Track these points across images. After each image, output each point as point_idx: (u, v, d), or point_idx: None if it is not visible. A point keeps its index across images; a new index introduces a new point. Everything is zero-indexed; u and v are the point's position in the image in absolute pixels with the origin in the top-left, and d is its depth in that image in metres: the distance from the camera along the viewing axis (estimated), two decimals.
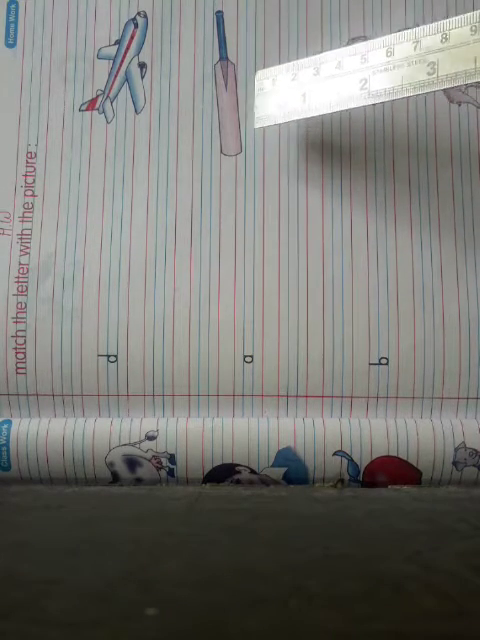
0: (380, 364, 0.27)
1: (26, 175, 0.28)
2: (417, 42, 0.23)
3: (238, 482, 0.26)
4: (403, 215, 0.28)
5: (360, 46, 0.25)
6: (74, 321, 0.27)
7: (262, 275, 0.27)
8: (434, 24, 0.23)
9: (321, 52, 0.27)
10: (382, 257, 0.27)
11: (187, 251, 0.27)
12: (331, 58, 0.25)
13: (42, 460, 0.26)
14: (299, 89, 0.26)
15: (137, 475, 0.26)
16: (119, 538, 0.19)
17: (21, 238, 0.28)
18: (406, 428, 0.26)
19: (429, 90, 0.23)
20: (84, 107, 0.28)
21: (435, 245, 0.27)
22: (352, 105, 0.25)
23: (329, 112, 0.25)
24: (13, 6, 0.29)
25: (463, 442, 0.25)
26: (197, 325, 0.27)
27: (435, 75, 0.23)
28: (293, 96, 0.26)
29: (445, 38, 0.23)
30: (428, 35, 0.23)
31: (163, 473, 0.26)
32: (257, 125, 0.27)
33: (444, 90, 0.28)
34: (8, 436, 0.26)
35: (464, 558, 0.17)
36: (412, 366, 0.27)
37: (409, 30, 0.24)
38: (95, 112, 0.28)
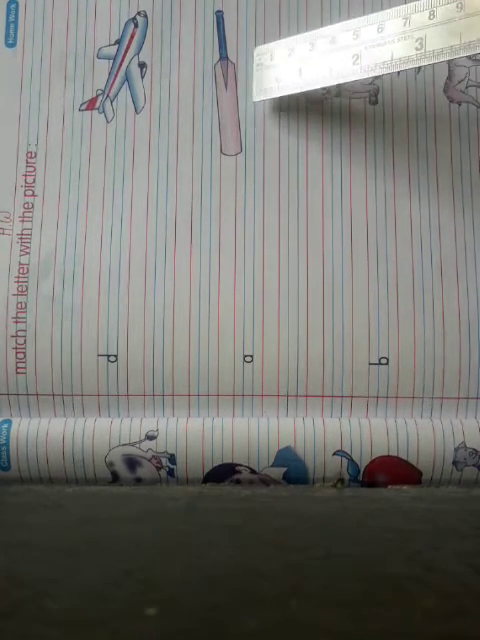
0: (380, 364, 0.27)
1: (26, 175, 0.28)
2: (406, 19, 0.24)
3: (238, 482, 0.26)
4: (403, 215, 0.28)
5: (352, 22, 0.26)
6: (74, 321, 0.27)
7: (262, 275, 0.27)
8: (422, 1, 0.24)
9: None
10: (382, 257, 0.27)
11: (187, 251, 0.27)
12: (325, 34, 0.26)
13: (42, 460, 0.26)
14: (295, 64, 0.27)
15: (137, 475, 0.26)
16: (119, 538, 0.19)
17: (21, 238, 0.28)
18: (406, 428, 0.26)
19: (417, 65, 0.24)
20: (84, 107, 0.28)
21: (435, 245, 0.27)
22: (345, 79, 0.26)
23: (324, 86, 0.26)
24: (13, 6, 0.29)
25: (463, 442, 0.25)
26: (197, 325, 0.27)
27: (422, 50, 0.24)
28: (290, 70, 0.27)
29: (432, 14, 0.23)
30: (417, 12, 0.24)
31: (163, 473, 0.26)
32: (256, 98, 0.28)
33: (444, 90, 0.28)
34: (8, 436, 0.26)
35: (464, 558, 0.17)
36: (412, 366, 0.27)
37: (399, 7, 0.24)
38: (95, 112, 0.28)
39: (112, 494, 0.24)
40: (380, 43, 0.25)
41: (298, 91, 0.27)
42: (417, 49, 0.24)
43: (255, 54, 0.28)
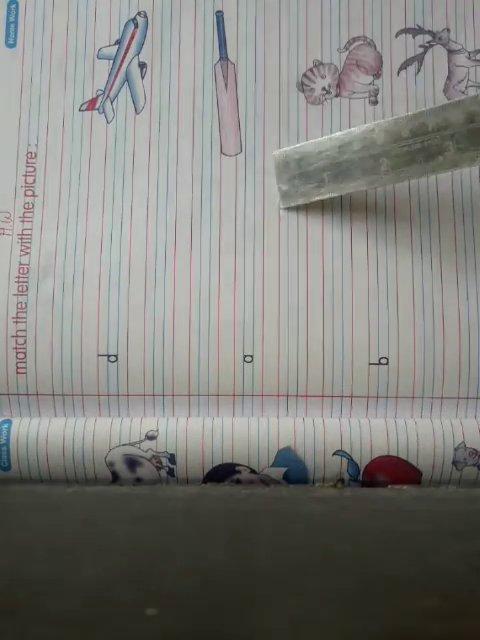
0: (380, 364, 0.27)
1: (26, 175, 0.28)
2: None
3: (238, 482, 0.26)
4: (403, 215, 0.28)
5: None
6: (74, 321, 0.27)
7: (262, 275, 0.27)
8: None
9: (320, 54, 0.27)
10: (382, 257, 0.27)
11: (187, 251, 0.27)
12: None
13: (42, 460, 0.26)
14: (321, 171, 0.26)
15: (137, 475, 0.26)
16: (119, 538, 0.19)
17: (21, 238, 0.28)
18: (406, 428, 0.26)
19: (449, 170, 0.25)
20: (84, 107, 0.28)
21: (435, 245, 0.27)
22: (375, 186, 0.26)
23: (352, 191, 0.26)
24: (13, 6, 0.29)
25: (463, 442, 0.25)
26: (197, 325, 0.27)
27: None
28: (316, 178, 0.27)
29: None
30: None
31: (163, 473, 0.26)
32: (283, 205, 0.27)
33: (444, 90, 0.28)
34: (8, 436, 0.26)
35: (464, 558, 0.17)
36: (412, 366, 0.27)
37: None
38: (95, 112, 0.28)
39: (112, 494, 0.24)
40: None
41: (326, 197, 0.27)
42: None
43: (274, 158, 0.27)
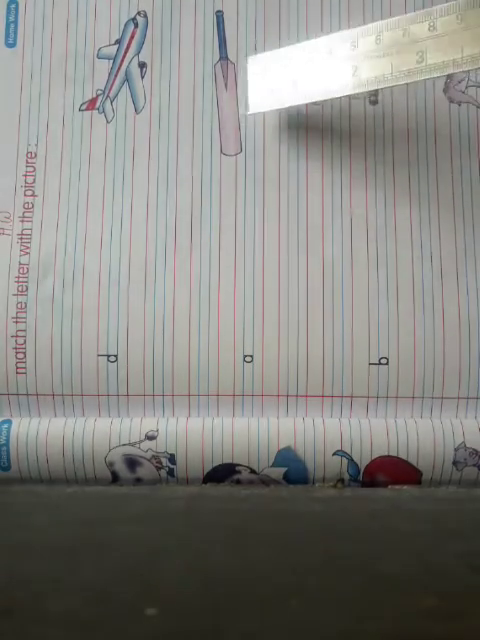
0: (380, 364, 0.27)
1: (26, 175, 0.28)
2: (405, 29, 0.23)
3: (238, 482, 0.26)
4: (403, 215, 0.28)
5: (350, 32, 0.25)
6: (74, 321, 0.27)
7: (262, 275, 0.27)
8: (421, 12, 0.23)
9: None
10: (382, 257, 0.27)
11: (187, 251, 0.27)
12: (322, 44, 0.25)
13: (42, 460, 0.26)
14: (290, 76, 0.26)
15: (137, 475, 0.26)
16: (119, 538, 0.19)
17: (21, 238, 0.28)
18: (406, 428, 0.26)
19: (418, 79, 0.23)
20: (84, 107, 0.28)
21: (435, 245, 0.27)
22: (343, 93, 0.25)
23: (320, 100, 0.25)
24: (13, 6, 0.29)
25: (463, 442, 0.25)
26: (197, 325, 0.27)
27: (423, 63, 0.23)
28: (284, 83, 0.26)
29: (432, 26, 0.23)
30: (415, 23, 0.23)
31: (163, 473, 0.26)
32: (250, 111, 0.27)
33: (444, 90, 0.28)
34: (8, 436, 0.26)
35: (464, 558, 0.17)
36: (412, 366, 0.27)
37: (397, 17, 0.23)
38: (95, 112, 0.28)
39: (112, 494, 0.24)
40: (379, 55, 0.24)
41: (294, 105, 0.26)
42: (418, 62, 0.23)
43: (248, 64, 0.27)
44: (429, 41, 0.23)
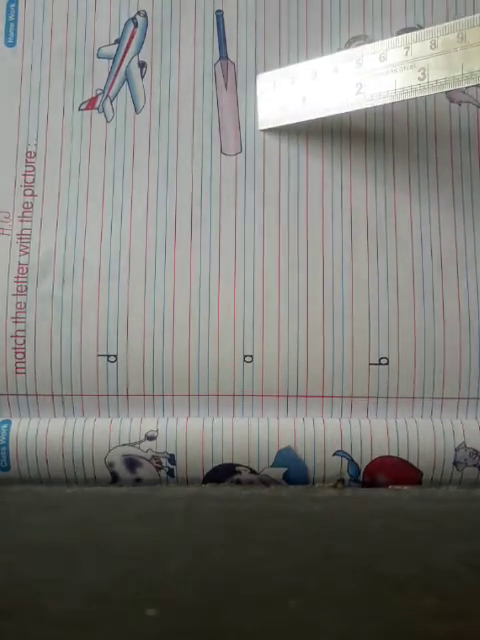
0: (380, 364, 0.27)
1: (26, 174, 0.28)
2: (407, 48, 0.24)
3: (238, 482, 0.26)
4: (403, 215, 0.28)
5: (355, 51, 0.25)
6: (74, 321, 0.27)
7: (262, 275, 0.27)
8: (423, 31, 0.24)
9: (321, 53, 0.27)
10: (382, 257, 0.27)
11: (187, 251, 0.27)
12: (327, 63, 0.26)
13: (41, 460, 0.26)
14: (299, 92, 0.27)
15: (137, 475, 0.26)
16: (119, 538, 0.19)
17: (20, 238, 0.28)
18: (406, 428, 0.26)
19: (420, 95, 0.24)
20: (84, 106, 0.28)
21: (435, 245, 0.27)
22: (349, 109, 0.26)
23: (329, 115, 0.26)
24: (13, 5, 0.29)
25: (463, 442, 0.25)
26: (197, 325, 0.27)
27: (426, 80, 0.24)
28: (293, 99, 0.27)
29: (434, 45, 0.23)
30: (418, 41, 0.24)
31: (163, 473, 0.26)
32: (262, 127, 0.28)
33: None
34: (8, 436, 0.26)
35: (464, 558, 0.17)
36: (412, 366, 0.27)
37: (400, 36, 0.24)
38: (95, 111, 0.28)
39: (112, 494, 0.24)
40: (383, 72, 0.25)
41: (304, 119, 0.27)
42: (420, 79, 0.24)
43: (258, 81, 0.28)
44: (431, 59, 0.24)
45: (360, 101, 0.25)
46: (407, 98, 0.24)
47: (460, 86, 0.23)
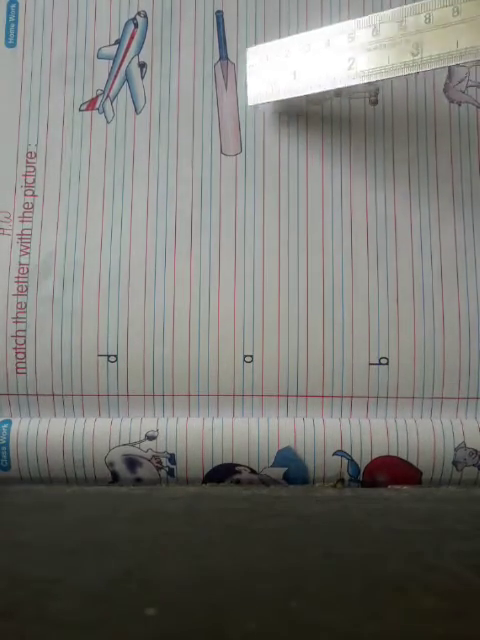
0: (380, 364, 0.27)
1: (26, 175, 0.28)
2: (402, 22, 0.23)
3: (238, 482, 0.26)
4: (403, 215, 0.28)
5: (347, 24, 0.25)
6: (74, 321, 0.27)
7: (262, 275, 0.27)
8: (417, 3, 0.23)
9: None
10: (382, 257, 0.27)
11: (187, 251, 0.27)
12: (320, 36, 0.25)
13: (42, 460, 0.26)
14: (290, 67, 0.26)
15: (137, 475, 0.26)
16: (119, 538, 0.19)
17: (21, 238, 0.28)
18: (406, 428, 0.26)
19: (414, 71, 0.23)
20: (84, 107, 0.28)
21: (435, 245, 0.27)
22: (340, 85, 0.25)
23: (319, 90, 0.26)
24: (13, 6, 0.29)
25: (463, 442, 0.25)
26: (197, 325, 0.27)
27: (419, 56, 0.23)
28: (284, 74, 0.26)
29: (428, 19, 0.23)
30: (412, 14, 0.23)
31: (163, 473, 0.26)
32: (251, 102, 0.28)
33: (444, 90, 0.28)
34: (8, 436, 0.26)
35: (464, 558, 0.17)
36: (412, 366, 0.27)
37: (394, 9, 0.24)
38: (95, 112, 0.28)
39: (112, 494, 0.24)
40: (376, 47, 0.24)
41: (293, 96, 0.26)
42: (414, 55, 0.23)
43: (248, 55, 0.28)
44: (425, 33, 0.23)
45: (352, 76, 0.24)
46: (400, 74, 0.23)
47: (455, 62, 0.22)
